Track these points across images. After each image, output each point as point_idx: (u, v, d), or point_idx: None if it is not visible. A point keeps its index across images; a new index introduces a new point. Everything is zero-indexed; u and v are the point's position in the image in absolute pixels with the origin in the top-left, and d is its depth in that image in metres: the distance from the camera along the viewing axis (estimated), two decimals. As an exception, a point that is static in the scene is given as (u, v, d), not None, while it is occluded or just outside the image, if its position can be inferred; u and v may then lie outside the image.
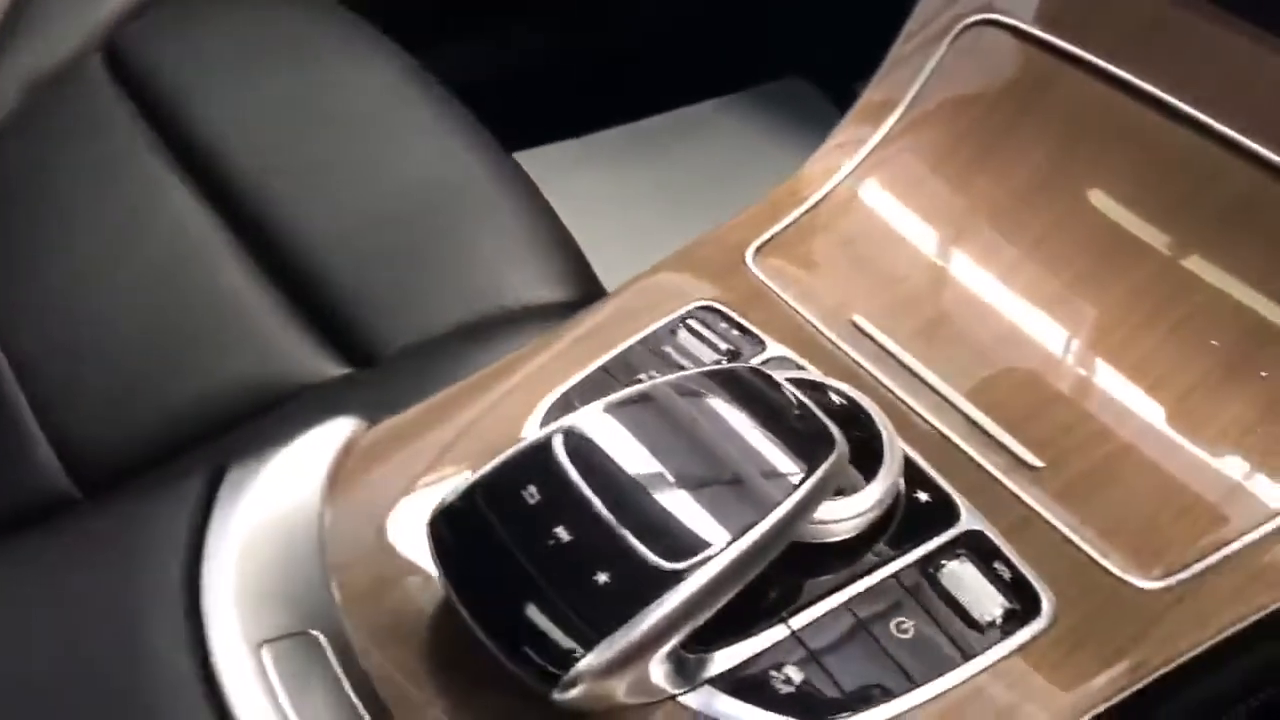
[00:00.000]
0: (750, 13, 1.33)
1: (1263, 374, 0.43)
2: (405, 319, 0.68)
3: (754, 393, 0.41)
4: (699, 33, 1.33)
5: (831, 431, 0.40)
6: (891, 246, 0.52)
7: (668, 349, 0.50)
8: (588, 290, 0.71)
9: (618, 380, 0.48)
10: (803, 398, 0.42)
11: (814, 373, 0.48)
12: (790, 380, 0.44)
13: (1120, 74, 0.51)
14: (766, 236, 0.54)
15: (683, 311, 0.51)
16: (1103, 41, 0.52)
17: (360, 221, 0.74)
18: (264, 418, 0.64)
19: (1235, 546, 0.41)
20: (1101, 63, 0.52)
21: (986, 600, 0.42)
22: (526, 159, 1.28)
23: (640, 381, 0.47)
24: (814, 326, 0.51)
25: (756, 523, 0.37)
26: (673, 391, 0.42)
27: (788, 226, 0.54)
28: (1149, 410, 0.45)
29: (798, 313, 0.52)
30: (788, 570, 0.41)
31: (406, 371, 0.64)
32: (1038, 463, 0.46)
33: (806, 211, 0.54)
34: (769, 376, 0.42)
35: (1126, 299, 0.47)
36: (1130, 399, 0.46)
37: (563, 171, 1.24)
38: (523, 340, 0.59)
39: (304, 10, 0.87)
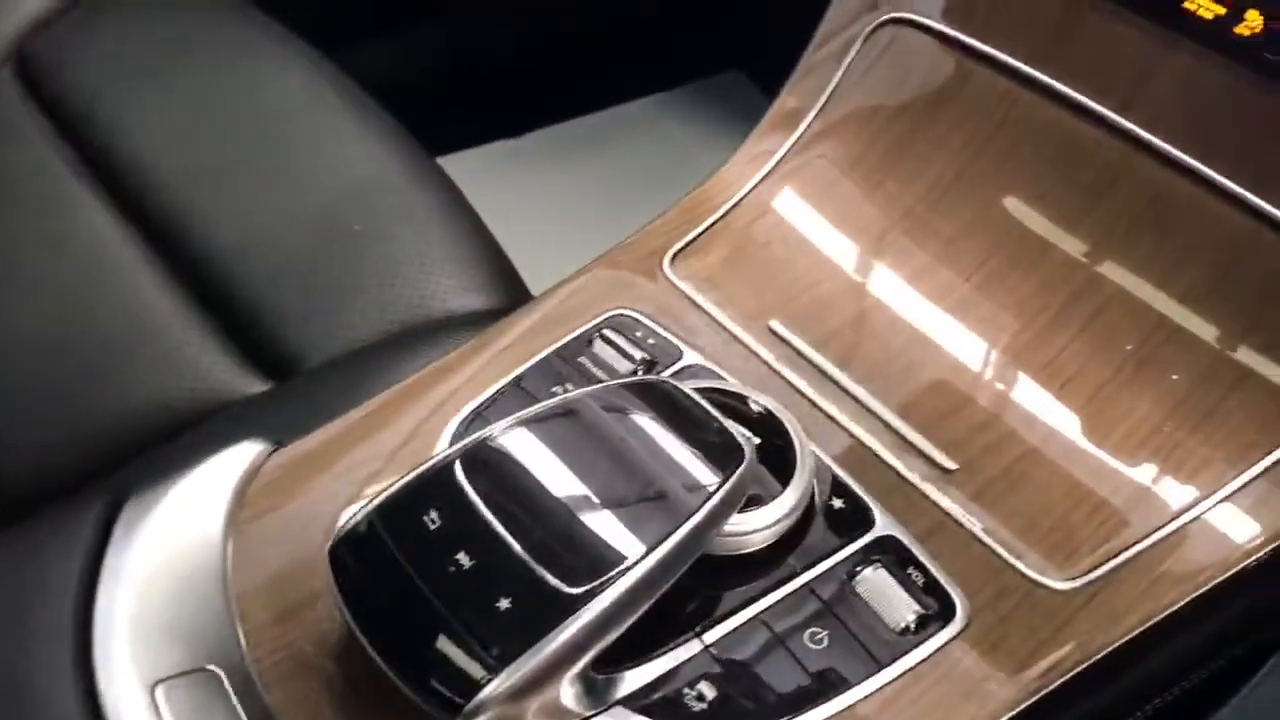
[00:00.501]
0: (687, 8, 1.32)
1: (1173, 376, 0.44)
2: (326, 330, 0.67)
3: (662, 406, 0.41)
4: (635, 29, 1.32)
5: (740, 443, 0.40)
6: (805, 252, 0.52)
7: (583, 360, 0.49)
8: (513, 297, 0.70)
9: (531, 394, 0.47)
10: (712, 409, 0.41)
11: (729, 380, 0.48)
12: (703, 390, 0.44)
13: (1030, 72, 0.51)
14: (683, 243, 0.54)
15: (598, 320, 0.51)
16: (1012, 40, 0.52)
17: (279, 231, 0.72)
18: (180, 439, 0.62)
19: (1142, 546, 0.42)
20: (1011, 61, 0.52)
21: (901, 606, 0.41)
22: (468, 159, 1.28)
23: (552, 395, 0.46)
24: (730, 333, 0.51)
25: (662, 541, 0.37)
26: (579, 407, 0.41)
27: (704, 232, 0.53)
28: (1060, 410, 0.46)
29: (714, 319, 0.51)
30: (701, 583, 0.41)
31: (327, 385, 0.62)
32: (951, 465, 0.46)
33: (721, 217, 0.53)
34: (678, 389, 0.41)
35: (1036, 298, 0.47)
36: (1041, 399, 0.46)
37: (499, 173, 1.23)
38: (447, 349, 0.59)
39: (217, 15, 0.85)
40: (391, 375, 0.58)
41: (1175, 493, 0.42)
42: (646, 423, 0.40)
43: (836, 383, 0.48)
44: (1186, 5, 0.48)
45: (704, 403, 0.41)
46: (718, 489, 0.38)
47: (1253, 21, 0.47)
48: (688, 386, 0.44)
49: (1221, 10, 0.47)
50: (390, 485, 0.38)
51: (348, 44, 1.03)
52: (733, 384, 0.47)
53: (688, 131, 1.30)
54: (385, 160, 0.75)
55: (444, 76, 1.23)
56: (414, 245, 0.70)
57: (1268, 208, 0.46)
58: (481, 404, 0.47)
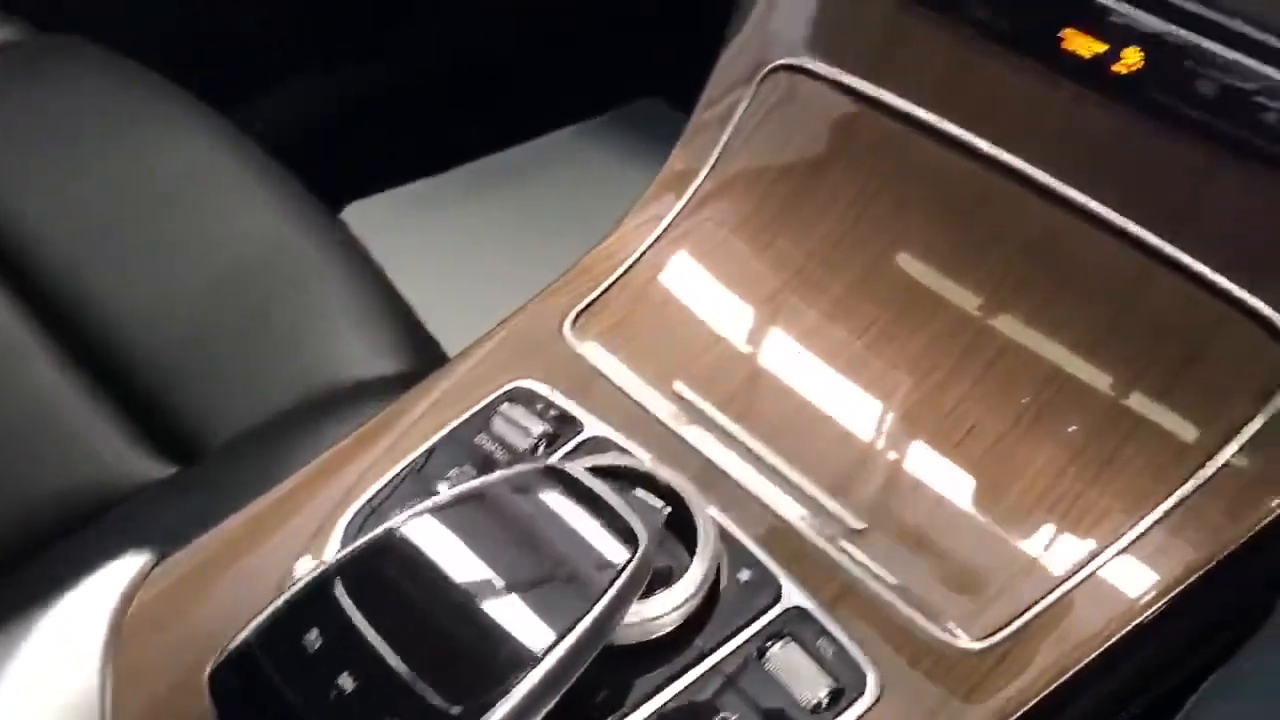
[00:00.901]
0: (600, 37, 1.31)
1: (1070, 427, 0.43)
2: (229, 407, 0.65)
3: (554, 495, 0.40)
4: (548, 61, 1.30)
5: (636, 530, 0.39)
6: (701, 314, 0.51)
7: (482, 439, 0.48)
8: (424, 358, 0.68)
9: (427, 481, 0.46)
10: (608, 494, 0.40)
11: (632, 451, 0.47)
12: (600, 468, 0.43)
13: (920, 115, 0.51)
14: (583, 305, 0.52)
15: (497, 394, 0.49)
16: (902, 84, 0.52)
17: (178, 305, 0.70)
18: (80, 533, 0.60)
19: (1048, 601, 0.41)
20: (901, 104, 0.52)
21: (812, 682, 0.41)
22: (383, 204, 1.25)
23: (448, 481, 0.45)
24: (633, 398, 0.50)
25: (553, 647, 0.35)
26: (467, 502, 0.40)
27: (602, 294, 0.52)
28: (960, 466, 0.45)
29: (616, 385, 0.50)
30: (606, 673, 0.40)
31: (230, 470, 0.61)
32: (859, 525, 0.45)
33: (617, 280, 0.52)
34: (570, 474, 0.40)
35: (930, 354, 0.47)
36: (942, 455, 0.45)
37: (417, 216, 1.22)
38: (353, 422, 0.57)
39: (107, 77, 0.82)
40: (294, 455, 0.56)
41: (1077, 546, 0.42)
42: (538, 515, 0.39)
43: (742, 444, 0.48)
44: (1066, 46, 0.48)
45: (599, 488, 0.40)
46: (612, 586, 0.37)
47: (1131, 59, 0.47)
48: (585, 466, 0.43)
49: (1100, 49, 0.47)
50: (270, 603, 0.37)
51: (249, 95, 1.01)
52: (634, 458, 0.46)
53: (609, 160, 1.29)
54: (286, 223, 0.73)
55: (354, 120, 1.20)
56: (318, 311, 0.69)
57: (1157, 242, 0.46)
58: (374, 497, 0.45)
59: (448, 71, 1.25)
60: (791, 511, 0.46)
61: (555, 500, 0.39)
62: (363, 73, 1.20)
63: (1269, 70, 0.43)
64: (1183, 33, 0.45)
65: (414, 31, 1.21)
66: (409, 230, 1.18)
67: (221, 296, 0.70)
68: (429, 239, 1.18)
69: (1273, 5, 0.43)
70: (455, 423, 0.48)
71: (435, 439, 0.48)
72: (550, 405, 0.49)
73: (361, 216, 1.20)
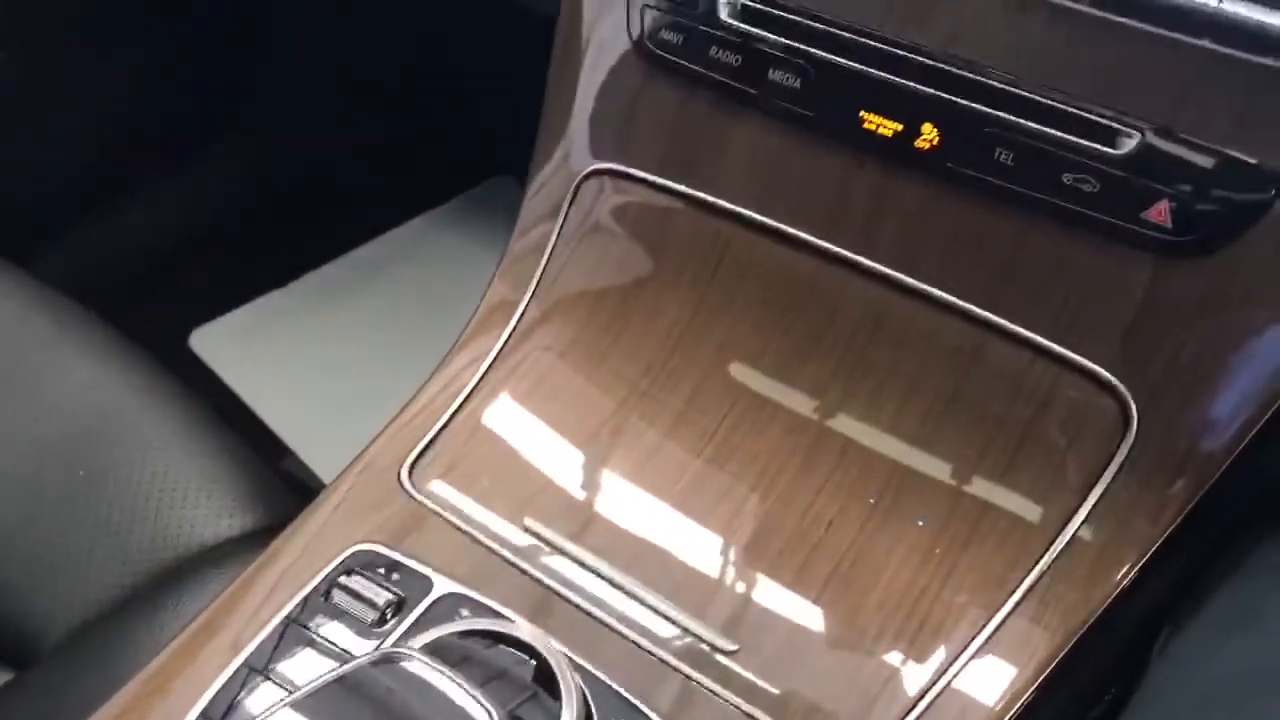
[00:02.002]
0: (442, 123, 1.29)
1: (919, 523, 0.42)
2: (63, 599, 0.60)
3: (391, 691, 0.37)
4: (387, 155, 1.28)
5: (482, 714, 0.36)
6: (544, 443, 0.49)
7: (318, 623, 0.44)
8: (274, 509, 0.64)
9: (263, 677, 0.43)
10: (455, 679, 0.37)
11: (488, 604, 0.44)
12: (456, 635, 0.41)
13: (737, 210, 0.50)
14: (419, 450, 0.50)
15: (334, 566, 0.46)
16: (716, 179, 0.51)
17: (2, 486, 0.65)
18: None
19: (916, 713, 0.40)
20: (717, 200, 0.51)
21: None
22: (232, 324, 1.20)
23: (291, 682, 0.42)
24: (483, 544, 0.47)
25: None
26: (306, 709, 0.37)
27: (438, 435, 0.50)
28: (815, 576, 0.44)
29: (463, 531, 0.48)
30: None
31: (67, 671, 0.56)
32: (730, 646, 0.43)
33: (452, 418, 0.50)
34: (403, 670, 0.37)
35: (772, 462, 0.46)
36: (796, 565, 0.44)
37: (267, 332, 1.17)
38: (199, 596, 0.53)
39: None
40: (136, 648, 0.53)
41: (939, 652, 0.41)
42: (380, 712, 0.36)
43: (602, 576, 0.46)
44: (867, 126, 0.48)
45: (436, 678, 0.37)
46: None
47: (929, 134, 0.47)
48: (436, 635, 0.40)
49: (899, 127, 0.47)
50: None
51: (55, 243, 0.96)
52: (485, 620, 0.43)
53: (462, 244, 1.26)
54: (111, 383, 0.69)
55: (190, 240, 1.16)
56: (155, 477, 0.64)
57: (981, 313, 0.46)
58: (206, 709, 0.42)
59: (283, 182, 1.22)
60: (661, 641, 0.44)
61: (397, 695, 0.37)
62: (183, 200, 1.15)
63: (1060, 134, 0.44)
64: (973, 105, 0.45)
65: (238, 147, 1.17)
66: (261, 348, 1.14)
67: (46, 476, 0.65)
68: (283, 354, 1.14)
69: (1059, 71, 0.44)
70: (290, 605, 0.45)
71: (273, 625, 0.44)
72: (394, 566, 0.46)
73: (209, 341, 1.15)
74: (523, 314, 0.50)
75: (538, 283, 0.51)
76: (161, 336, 1.13)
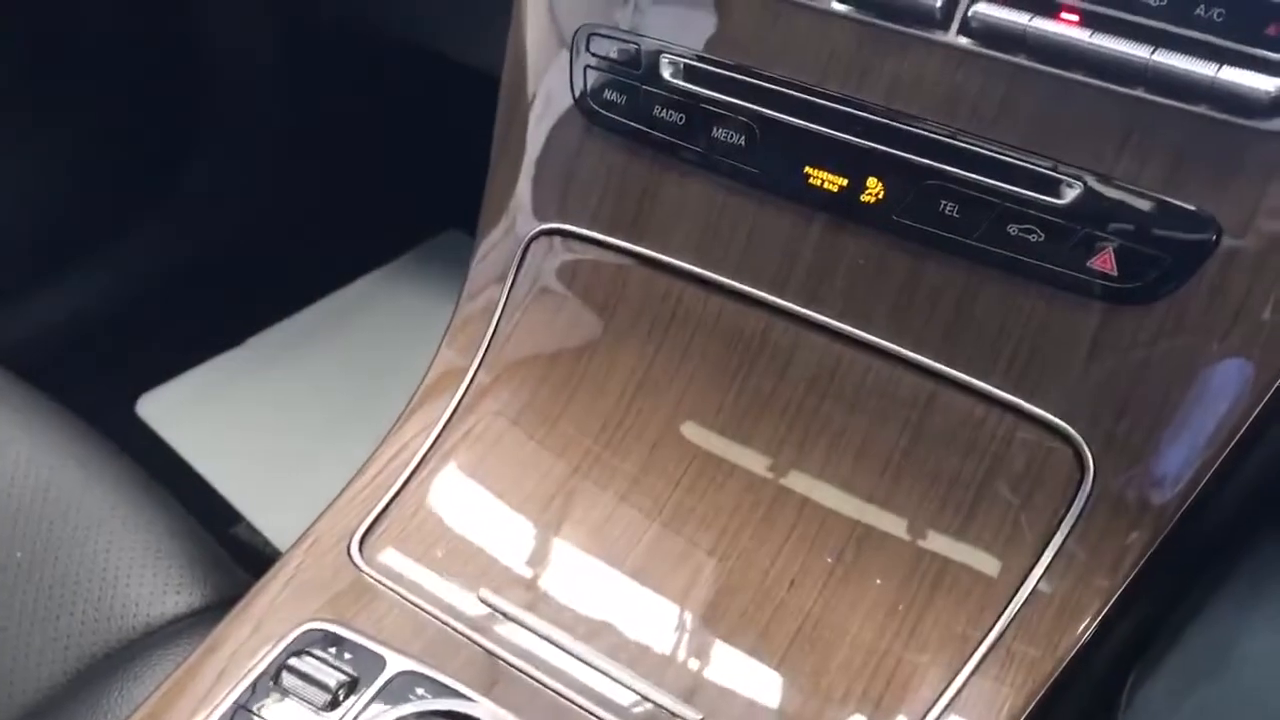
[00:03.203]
0: (390, 178, 1.29)
1: (878, 581, 0.42)
2: (2, 687, 0.58)
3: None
4: (340, 211, 1.27)
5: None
6: (498, 512, 0.48)
7: (269, 708, 0.43)
8: (220, 583, 0.62)
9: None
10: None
11: (443, 682, 0.43)
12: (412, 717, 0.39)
13: (688, 268, 0.50)
14: (368, 523, 0.49)
15: (284, 646, 0.45)
16: (666, 237, 0.51)
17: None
18: None
19: None
20: (667, 259, 0.50)
21: None
22: (185, 385, 1.18)
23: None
24: (438, 618, 0.46)
25: None
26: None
27: (388, 507, 0.49)
28: (776, 641, 0.43)
29: (416, 606, 0.46)
30: None
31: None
32: (694, 715, 0.42)
33: (402, 489, 0.49)
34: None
35: (729, 526, 0.45)
36: (756, 630, 0.43)
37: (215, 397, 1.14)
38: (150, 675, 0.51)
39: None
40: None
41: (903, 715, 0.40)
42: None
43: (562, 648, 0.44)
44: (812, 182, 0.48)
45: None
46: None
47: (874, 189, 0.47)
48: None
49: (844, 182, 0.47)
50: None
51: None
52: (443, 700, 0.42)
53: (415, 300, 1.25)
54: (50, 459, 0.67)
55: (135, 304, 1.14)
56: (94, 556, 0.62)
57: (933, 364, 0.46)
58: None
59: (229, 242, 1.20)
60: (624, 712, 0.43)
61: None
62: (127, 264, 1.14)
63: (1003, 185, 0.44)
64: (915, 158, 0.45)
65: (182, 209, 1.16)
66: (210, 412, 1.12)
67: (-17, 557, 0.62)
68: (234, 418, 1.12)
69: (999, 122, 0.44)
70: (239, 691, 0.43)
71: (222, 712, 0.43)
72: (346, 645, 0.45)
73: (157, 407, 1.13)
74: (472, 380, 0.49)
75: (486, 348, 0.50)
76: (108, 403, 1.11)
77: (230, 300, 1.20)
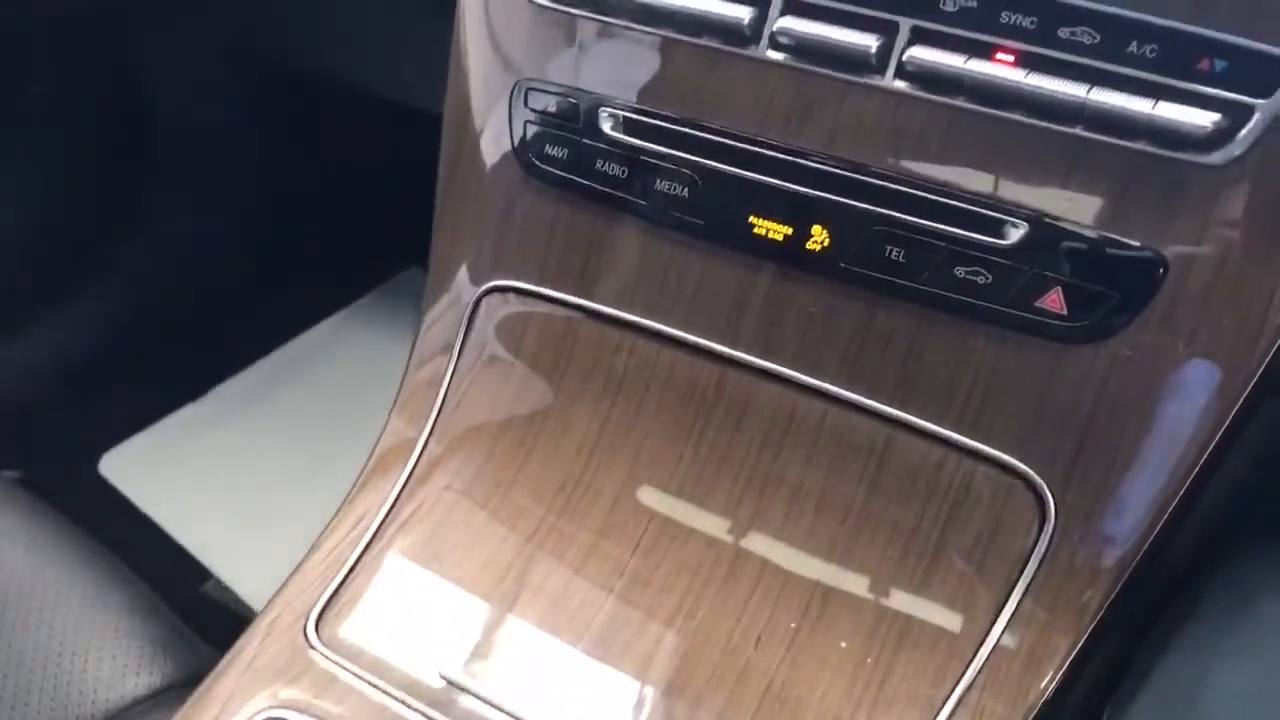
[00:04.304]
0: (348, 220, 1.28)
1: (841, 644, 0.41)
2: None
3: None
4: (298, 256, 1.25)
5: None
6: (454, 590, 0.47)
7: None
8: (183, 660, 0.61)
9: None
10: None
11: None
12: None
13: (638, 321, 0.49)
14: (322, 604, 0.47)
15: (243, 736, 0.44)
16: (616, 291, 0.50)
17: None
18: None
19: None
20: (618, 312, 0.50)
21: None
22: (145, 443, 1.16)
23: None
24: (397, 697, 0.45)
25: None
26: None
27: (340, 588, 0.48)
28: (753, 688, 0.42)
29: (376, 685, 0.45)
30: None
31: None
32: (665, 790, 0.42)
33: (353, 568, 0.48)
34: None
35: (688, 593, 0.44)
36: (732, 679, 0.42)
37: (178, 452, 1.13)
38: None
39: None
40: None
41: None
42: None
43: (524, 721, 0.44)
44: (757, 231, 0.47)
45: None
46: None
47: (820, 236, 0.46)
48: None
49: (789, 230, 0.46)
50: None
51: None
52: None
53: (378, 342, 1.24)
54: (1, 538, 0.65)
55: (95, 361, 1.12)
56: (49, 639, 0.60)
57: (889, 410, 0.45)
58: None
59: (188, 293, 1.19)
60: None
61: None
62: (86, 321, 1.12)
63: (947, 228, 0.43)
64: (859, 204, 0.45)
65: (139, 262, 1.14)
66: (175, 468, 1.10)
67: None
68: (199, 472, 1.10)
69: (940, 165, 0.44)
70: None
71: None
72: (307, 731, 0.44)
73: (120, 465, 1.11)
74: (422, 451, 0.48)
75: (435, 417, 0.49)
76: (71, 464, 1.09)
77: (191, 350, 1.18)
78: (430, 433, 0.49)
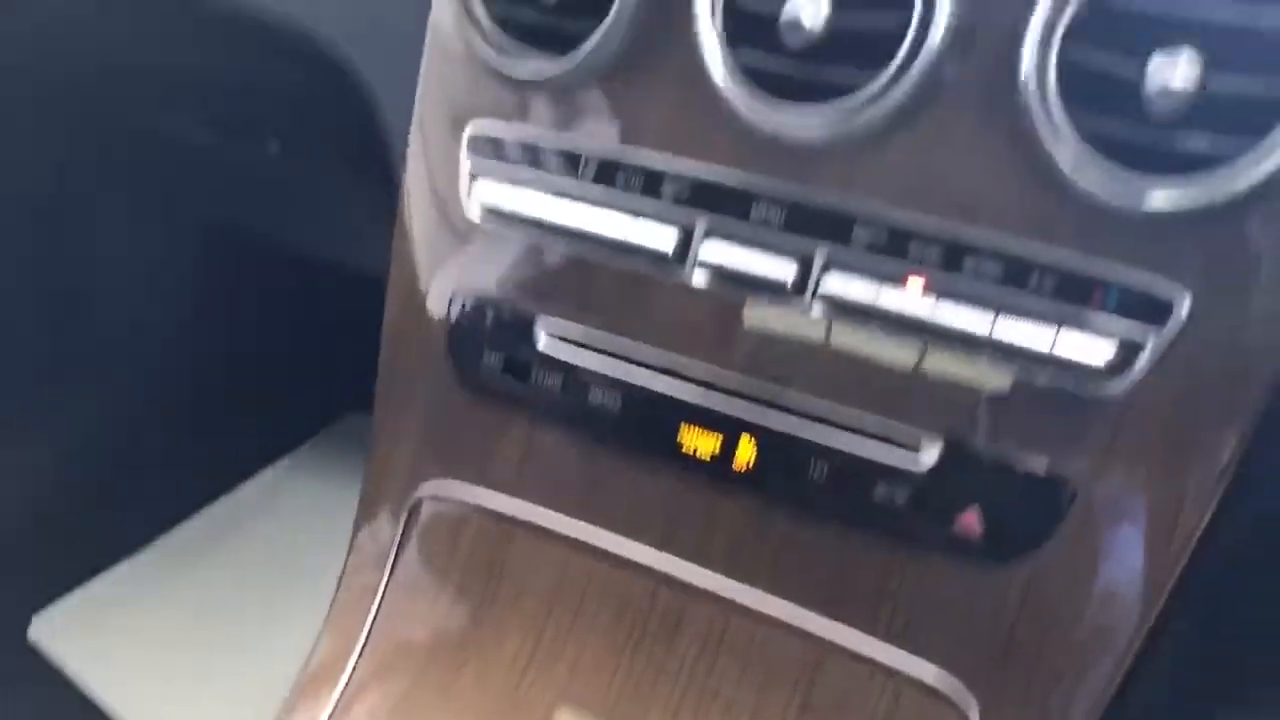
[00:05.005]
0: (281, 369, 1.27)
1: None
2: None
3: None
4: (236, 405, 1.24)
5: None
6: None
7: None
8: None
9: None
10: None
11: None
12: None
13: (572, 534, 0.50)
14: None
15: None
16: (548, 500, 0.51)
17: None
18: None
19: None
20: (549, 525, 0.50)
21: None
22: (64, 613, 1.11)
23: None
24: None
25: None
26: None
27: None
28: None
29: None
30: None
31: None
32: None
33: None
34: None
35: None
36: None
37: (113, 611, 1.09)
38: None
39: None
40: None
41: None
42: None
43: None
44: (686, 449, 0.48)
45: None
46: None
47: (745, 455, 0.48)
48: None
49: (716, 450, 0.48)
50: None
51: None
52: None
53: (318, 492, 1.22)
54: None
55: (23, 521, 1.09)
56: None
57: (818, 627, 0.46)
58: None
59: (120, 447, 1.17)
60: None
61: None
62: (14, 480, 1.09)
63: (865, 450, 0.45)
64: (781, 427, 0.46)
65: (70, 413, 1.13)
66: (108, 632, 1.06)
67: None
68: (133, 636, 1.06)
69: (858, 387, 0.45)
70: None
71: None
72: None
73: (50, 629, 1.07)
74: (354, 669, 0.48)
75: (367, 637, 0.49)
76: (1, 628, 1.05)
77: (124, 506, 1.16)
78: (360, 653, 0.49)
